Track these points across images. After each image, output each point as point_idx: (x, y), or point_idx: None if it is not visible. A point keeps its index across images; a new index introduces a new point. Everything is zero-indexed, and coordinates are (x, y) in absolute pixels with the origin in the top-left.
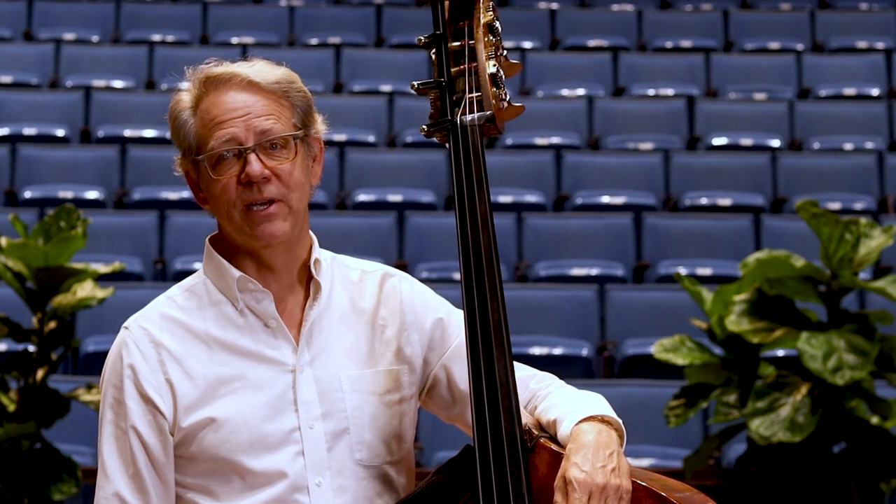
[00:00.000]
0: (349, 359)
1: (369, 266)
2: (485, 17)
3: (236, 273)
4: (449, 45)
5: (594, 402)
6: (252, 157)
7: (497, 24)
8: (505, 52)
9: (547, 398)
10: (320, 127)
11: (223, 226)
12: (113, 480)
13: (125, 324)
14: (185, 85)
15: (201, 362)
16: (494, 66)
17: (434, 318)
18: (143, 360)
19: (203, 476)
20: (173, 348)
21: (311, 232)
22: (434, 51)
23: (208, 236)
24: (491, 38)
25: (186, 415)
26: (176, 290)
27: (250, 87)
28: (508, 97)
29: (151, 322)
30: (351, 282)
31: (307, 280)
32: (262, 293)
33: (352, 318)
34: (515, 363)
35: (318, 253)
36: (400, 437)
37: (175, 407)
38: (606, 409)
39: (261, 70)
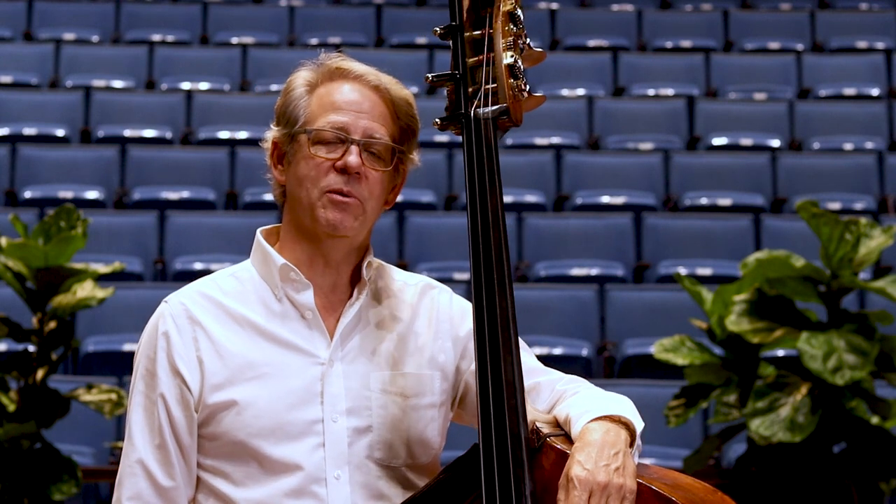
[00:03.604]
0: (381, 359)
1: (412, 278)
2: (505, 5)
3: (279, 261)
4: (469, 33)
5: (615, 402)
6: (354, 149)
7: (519, 12)
8: (527, 41)
9: (570, 398)
10: (415, 160)
11: (293, 205)
12: (139, 448)
13: (165, 298)
14: (309, 64)
15: (234, 343)
16: (512, 56)
17: (469, 328)
18: (177, 333)
19: (223, 459)
20: (209, 327)
21: (370, 244)
22: (451, 41)
23: (260, 228)
24: (511, 27)
25: (212, 393)
26: (221, 273)
27: (375, 90)
28: (528, 88)
29: (190, 299)
30: (392, 289)
31: (354, 282)
32: (303, 284)
33: (389, 323)
34: (543, 366)
35: (372, 259)
36: (424, 442)
37: (202, 384)
38: (625, 411)
39: (388, 81)
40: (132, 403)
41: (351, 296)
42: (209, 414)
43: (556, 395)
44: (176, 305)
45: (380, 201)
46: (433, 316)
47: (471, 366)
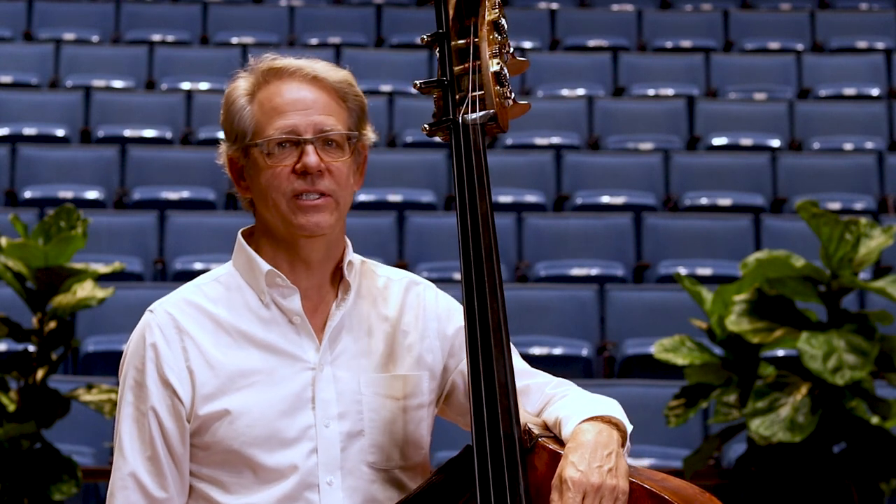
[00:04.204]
0: (370, 362)
1: (395, 274)
2: (490, 14)
3: (265, 267)
4: (454, 43)
5: (604, 404)
6: (310, 149)
7: (503, 21)
8: (511, 49)
9: (560, 401)
10: (370, 135)
11: (264, 216)
12: (130, 461)
13: (150, 307)
14: (242, 73)
15: (223, 352)
16: (498, 64)
17: (456, 325)
18: (165, 344)
19: (215, 467)
20: (197, 336)
21: (346, 237)
22: (437, 49)
23: (241, 229)
24: (496, 35)
25: (204, 404)
26: (204, 278)
27: (314, 82)
28: (513, 95)
29: (177, 308)
30: (377, 287)
31: (337, 281)
32: (290, 289)
33: (375, 323)
34: (532, 369)
35: (352, 256)
36: (415, 443)
37: (193, 395)
38: (614, 412)
39: (324, 68)
40: (121, 415)
41: (336, 296)
42: (201, 424)
43: (545, 399)
44: (162, 315)
45: (349, 189)
46: (419, 314)
47: (458, 365)
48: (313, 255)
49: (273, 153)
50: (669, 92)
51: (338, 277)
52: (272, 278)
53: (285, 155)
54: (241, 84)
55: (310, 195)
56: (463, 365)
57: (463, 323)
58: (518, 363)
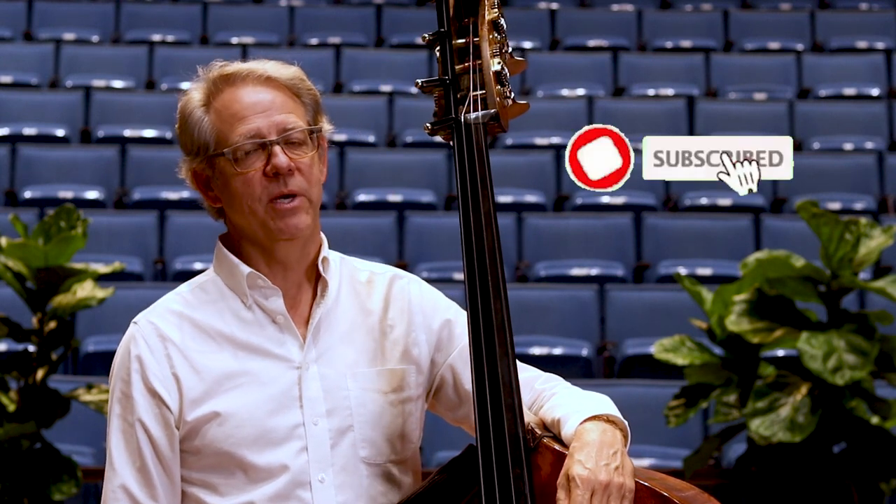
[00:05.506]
0: (355, 357)
1: (378, 268)
2: (490, 14)
3: (246, 269)
4: (454, 42)
5: (599, 402)
6: (277, 150)
7: (502, 21)
8: (510, 49)
9: (552, 398)
10: (326, 126)
11: (240, 223)
12: (120, 473)
13: (134, 319)
14: (192, 85)
15: (208, 357)
16: (499, 63)
17: (442, 319)
18: (150, 353)
19: (207, 470)
20: (181, 342)
21: (321, 233)
22: (438, 48)
23: (219, 235)
24: (496, 35)
25: (192, 408)
26: (186, 286)
27: (268, 83)
28: (513, 95)
29: (160, 317)
30: (360, 282)
31: (316, 278)
32: (272, 290)
33: (359, 318)
34: (520, 364)
35: (327, 252)
36: (405, 437)
37: (181, 401)
38: (611, 409)
39: (275, 67)
40: (111, 427)
41: (315, 294)
42: (191, 428)
43: (533, 395)
44: (145, 325)
45: (318, 185)
46: (404, 308)
47: (446, 359)
48: (290, 256)
49: (241, 159)
50: (669, 92)
51: (315, 275)
52: (253, 280)
53: (253, 159)
54: (195, 95)
55: (284, 198)
56: (452, 359)
57: (449, 317)
58: None
